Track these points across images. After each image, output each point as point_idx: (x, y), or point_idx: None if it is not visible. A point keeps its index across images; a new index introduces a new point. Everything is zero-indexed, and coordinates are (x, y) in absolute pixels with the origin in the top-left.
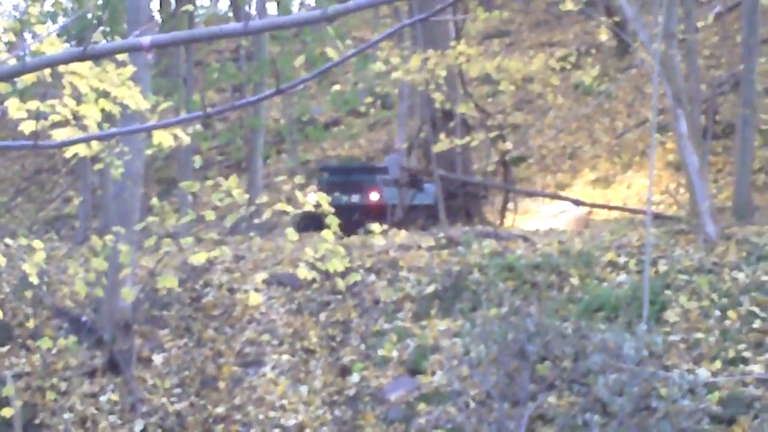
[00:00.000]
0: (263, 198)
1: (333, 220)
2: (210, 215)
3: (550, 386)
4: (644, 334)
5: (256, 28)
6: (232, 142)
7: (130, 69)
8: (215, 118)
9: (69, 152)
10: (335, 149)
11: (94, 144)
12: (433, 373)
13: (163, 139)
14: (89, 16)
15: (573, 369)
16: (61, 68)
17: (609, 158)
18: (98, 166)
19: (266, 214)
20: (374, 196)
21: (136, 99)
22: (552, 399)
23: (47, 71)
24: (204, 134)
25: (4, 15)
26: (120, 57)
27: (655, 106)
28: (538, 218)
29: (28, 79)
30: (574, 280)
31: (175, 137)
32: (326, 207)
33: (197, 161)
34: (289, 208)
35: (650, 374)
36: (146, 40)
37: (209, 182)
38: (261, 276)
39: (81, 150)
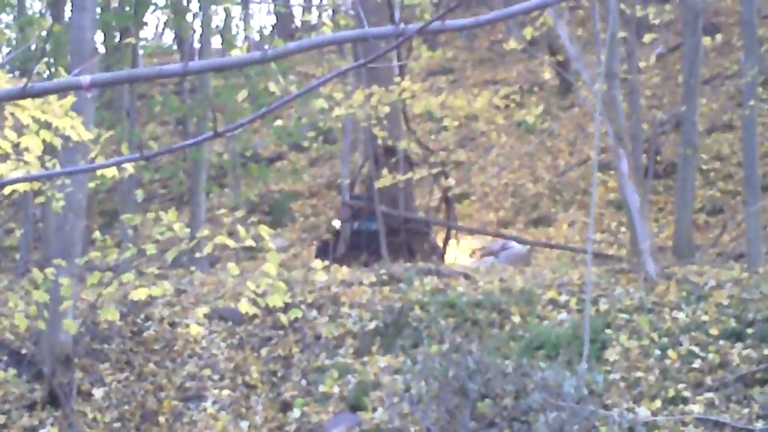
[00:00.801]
0: (205, 232)
1: (273, 256)
2: (151, 249)
3: (491, 424)
4: (584, 372)
5: (196, 69)
6: (174, 176)
7: (70, 99)
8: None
9: (9, 188)
10: (278, 184)
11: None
12: (374, 410)
13: (106, 171)
14: (32, 47)
15: (514, 407)
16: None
17: (551, 196)
18: (40, 199)
19: (208, 248)
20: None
21: (78, 130)
22: None
23: None
24: (146, 167)
25: None
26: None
27: (596, 145)
28: (478, 255)
29: None
30: (516, 318)
31: (118, 169)
32: (268, 244)
33: (139, 194)
34: (230, 242)
35: (590, 413)
36: (86, 79)
37: (151, 215)
38: (202, 310)
39: (22, 186)
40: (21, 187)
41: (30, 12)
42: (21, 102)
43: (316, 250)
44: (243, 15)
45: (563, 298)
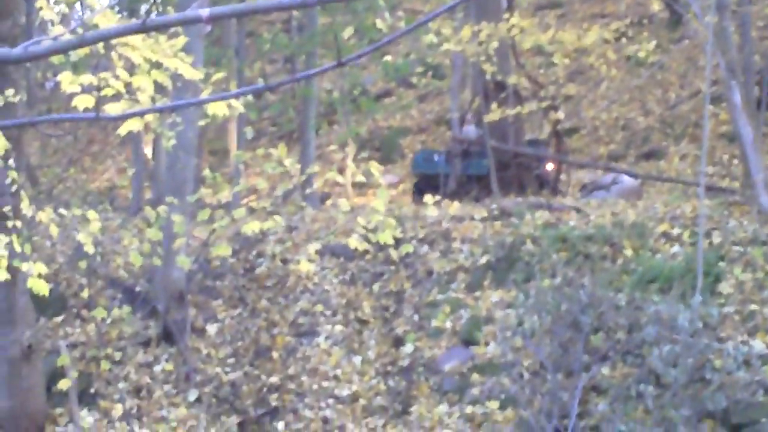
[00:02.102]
0: (315, 168)
1: (383, 192)
2: (261, 185)
3: (604, 357)
4: (698, 305)
5: (314, 2)
6: (284, 113)
7: (182, 39)
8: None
9: (123, 127)
10: (387, 120)
11: (148, 116)
12: (487, 344)
13: (217, 109)
14: None
15: (627, 340)
16: (115, 40)
17: (662, 129)
18: (150, 137)
19: (318, 184)
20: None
21: (188, 69)
22: (605, 370)
23: (100, 44)
24: (256, 105)
25: None
26: (172, 28)
27: (708, 78)
28: (589, 189)
29: (82, 51)
30: (628, 252)
31: (229, 107)
32: (378, 180)
33: (249, 132)
34: (340, 178)
35: (704, 346)
36: (205, 12)
37: (260, 152)
38: (314, 246)
39: (135, 124)
40: (133, 125)
41: None
42: (133, 43)
43: (413, 187)
44: None
45: (676, 231)
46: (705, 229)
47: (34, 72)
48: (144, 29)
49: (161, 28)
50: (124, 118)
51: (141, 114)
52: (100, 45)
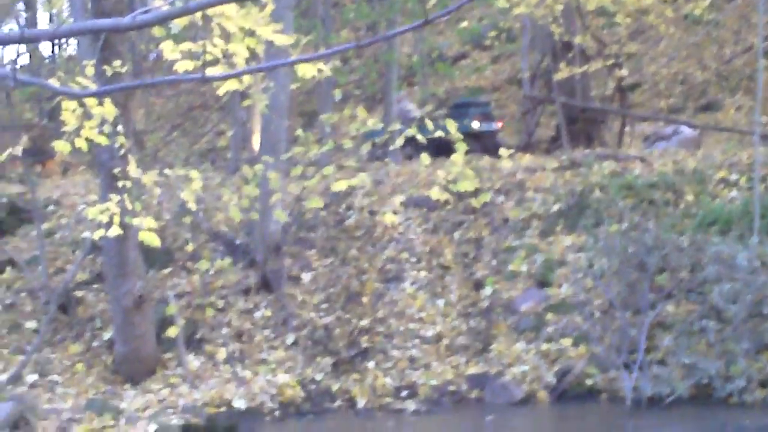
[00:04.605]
0: (396, 126)
1: (461, 146)
2: (348, 143)
3: (669, 296)
4: (756, 245)
5: None
6: (367, 77)
7: (270, 7)
8: (352, 55)
9: (223, 88)
10: (462, 81)
11: (245, 80)
12: (560, 285)
13: (307, 72)
14: None
15: (689, 279)
16: (210, 12)
17: (718, 83)
18: (246, 102)
19: (399, 141)
20: (475, 125)
21: (279, 36)
22: (670, 307)
23: (198, 15)
24: (342, 69)
25: None
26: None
27: (761, 33)
28: (651, 140)
29: (182, 22)
30: (689, 197)
31: (318, 71)
32: (455, 134)
33: (336, 94)
34: (420, 136)
35: (762, 283)
36: None
37: (347, 113)
38: (398, 199)
39: (233, 85)
40: (231, 86)
41: None
42: (227, 12)
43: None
44: None
45: (733, 177)
46: (761, 174)
47: (138, 45)
48: None
49: None
50: (224, 78)
51: (239, 75)
52: (199, 15)
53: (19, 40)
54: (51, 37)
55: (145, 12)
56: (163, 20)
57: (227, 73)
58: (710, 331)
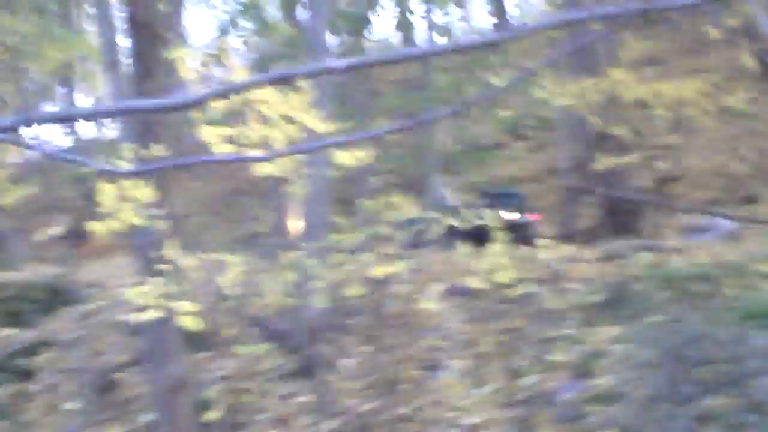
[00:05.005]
0: (434, 214)
1: (499, 235)
2: (386, 231)
3: (710, 389)
4: None
5: (438, 51)
6: (405, 164)
7: (309, 95)
8: (391, 141)
9: (261, 173)
10: (500, 171)
11: (283, 165)
12: (600, 376)
13: (345, 160)
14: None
15: (730, 373)
16: (251, 97)
17: (757, 176)
18: (285, 188)
19: (438, 229)
20: (511, 215)
21: (318, 122)
22: (711, 401)
23: (238, 98)
24: (379, 157)
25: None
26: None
27: None
28: (690, 232)
29: (222, 107)
30: (729, 290)
31: (356, 159)
32: (493, 224)
33: (374, 182)
34: (459, 224)
35: None
36: (341, 62)
37: (384, 201)
38: (437, 287)
39: (271, 170)
40: (268, 170)
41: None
42: (267, 98)
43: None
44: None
45: None
46: None
47: (175, 129)
48: (284, 78)
49: (300, 77)
50: (260, 159)
51: (276, 156)
52: (238, 100)
53: (62, 119)
54: (92, 115)
55: (184, 94)
56: (207, 100)
57: (264, 155)
58: (752, 425)
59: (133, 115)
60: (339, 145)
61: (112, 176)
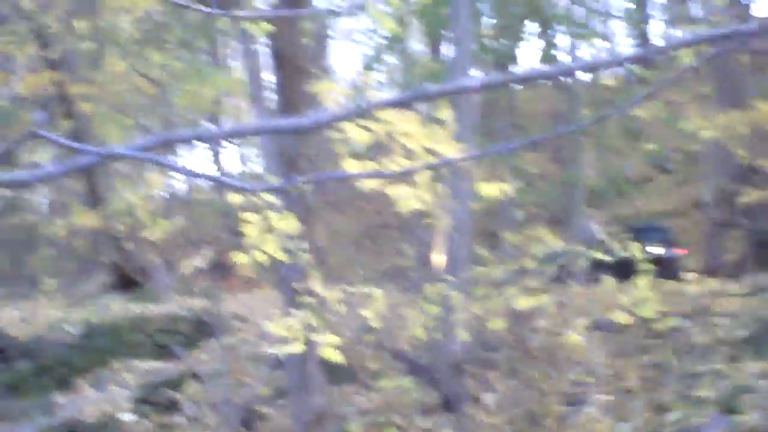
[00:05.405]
0: (580, 248)
1: (646, 269)
2: (531, 264)
3: None
4: None
5: (577, 68)
6: (551, 197)
7: (453, 128)
8: (535, 174)
9: (407, 205)
10: (646, 204)
11: (427, 199)
12: (748, 413)
13: (490, 191)
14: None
15: None
16: (394, 130)
17: None
18: (428, 220)
19: (582, 263)
20: (657, 250)
21: (460, 155)
22: None
23: (382, 131)
24: (525, 189)
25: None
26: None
27: None
28: None
29: (364, 140)
30: None
31: (500, 191)
32: (640, 258)
33: (519, 214)
34: (605, 258)
35: None
36: (476, 81)
37: (530, 233)
38: (582, 321)
39: (417, 203)
40: (412, 204)
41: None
42: (410, 131)
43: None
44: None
45: None
46: None
47: (319, 163)
48: (421, 96)
49: (435, 96)
50: (398, 177)
51: (415, 171)
52: (382, 131)
53: (200, 138)
54: (233, 135)
55: (321, 114)
56: (342, 119)
57: (399, 171)
58: None
59: (269, 134)
60: (472, 160)
61: (254, 194)
